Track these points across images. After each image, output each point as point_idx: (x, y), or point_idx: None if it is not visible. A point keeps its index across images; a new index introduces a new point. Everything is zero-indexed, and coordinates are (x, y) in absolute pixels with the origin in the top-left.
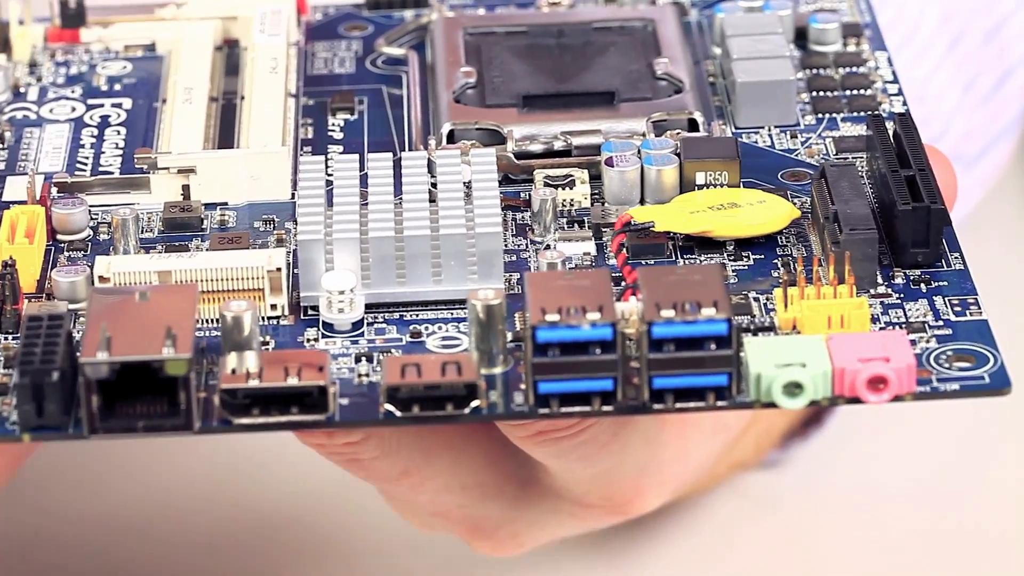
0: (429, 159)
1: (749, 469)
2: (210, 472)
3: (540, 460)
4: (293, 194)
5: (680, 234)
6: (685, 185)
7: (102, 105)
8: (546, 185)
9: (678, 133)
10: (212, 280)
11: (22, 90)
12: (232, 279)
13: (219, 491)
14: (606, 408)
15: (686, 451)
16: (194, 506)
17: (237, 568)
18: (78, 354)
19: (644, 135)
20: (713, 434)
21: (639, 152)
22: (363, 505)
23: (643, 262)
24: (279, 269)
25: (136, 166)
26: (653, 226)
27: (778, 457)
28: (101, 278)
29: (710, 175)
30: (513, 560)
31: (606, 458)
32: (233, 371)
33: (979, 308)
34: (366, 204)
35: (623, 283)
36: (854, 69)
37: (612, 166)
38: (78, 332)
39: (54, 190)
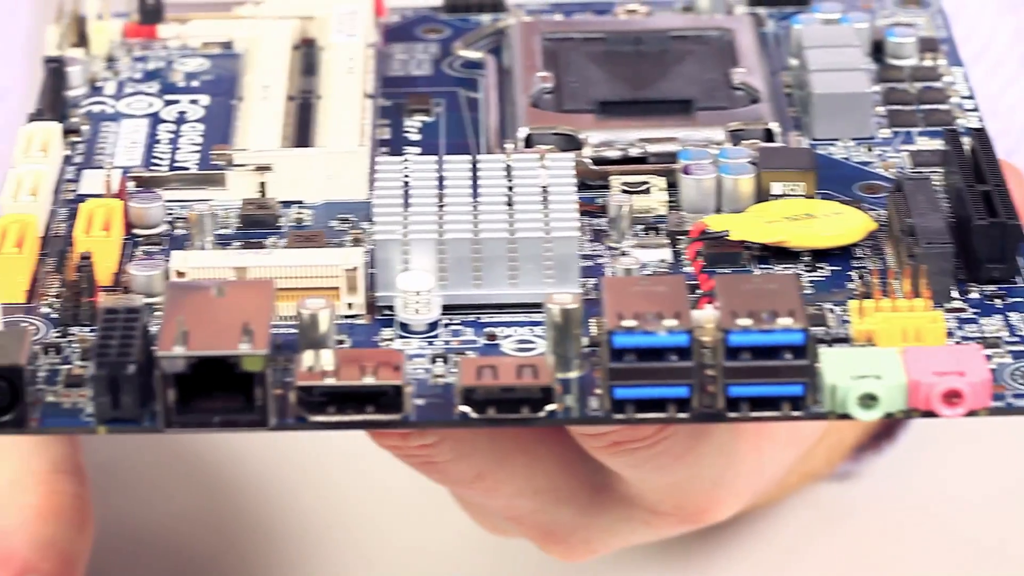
0: (507, 163)
1: (820, 480)
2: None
3: (615, 470)
4: (369, 194)
5: (756, 243)
6: (761, 195)
7: (179, 101)
8: (623, 192)
9: (754, 143)
10: (288, 278)
11: (99, 85)
12: (308, 277)
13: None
14: (681, 415)
15: (760, 462)
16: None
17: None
18: (154, 347)
19: (720, 144)
20: (787, 446)
21: (715, 161)
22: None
23: (718, 270)
24: (355, 268)
25: (213, 163)
26: (729, 235)
27: (850, 469)
28: (178, 273)
29: (786, 185)
30: (583, 566)
31: (681, 469)
32: (309, 368)
33: None
34: (443, 205)
35: (698, 291)
36: (930, 83)
37: (689, 174)
38: (154, 326)
39: (131, 184)
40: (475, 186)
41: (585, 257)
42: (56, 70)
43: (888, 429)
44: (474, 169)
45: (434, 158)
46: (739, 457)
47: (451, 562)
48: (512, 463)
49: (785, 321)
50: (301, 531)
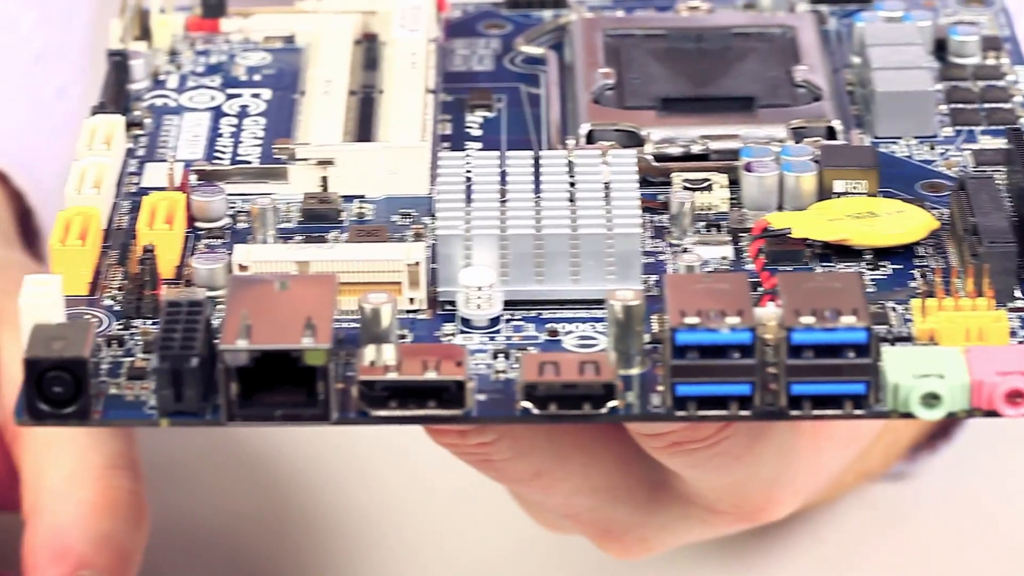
0: (568, 159)
1: (875, 479)
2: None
3: (673, 468)
4: (431, 189)
5: (818, 241)
6: (823, 192)
7: (241, 95)
8: (684, 188)
9: (817, 140)
10: (350, 272)
11: (161, 78)
12: (370, 271)
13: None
14: (743, 413)
15: (819, 461)
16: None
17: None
18: (217, 341)
19: (783, 141)
20: (846, 444)
21: (778, 158)
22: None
23: (780, 268)
24: (417, 263)
25: (275, 156)
26: (791, 232)
27: (905, 468)
28: (240, 266)
29: (849, 183)
30: (638, 562)
31: (740, 469)
32: (371, 363)
33: None
34: (505, 201)
35: (760, 288)
36: (993, 82)
37: (751, 171)
38: (216, 319)
39: (193, 177)
40: (537, 181)
41: (646, 254)
42: (119, 63)
43: (944, 428)
44: (536, 165)
45: (496, 154)
46: (798, 456)
47: (507, 561)
48: (570, 461)
49: (848, 319)
50: (355, 528)
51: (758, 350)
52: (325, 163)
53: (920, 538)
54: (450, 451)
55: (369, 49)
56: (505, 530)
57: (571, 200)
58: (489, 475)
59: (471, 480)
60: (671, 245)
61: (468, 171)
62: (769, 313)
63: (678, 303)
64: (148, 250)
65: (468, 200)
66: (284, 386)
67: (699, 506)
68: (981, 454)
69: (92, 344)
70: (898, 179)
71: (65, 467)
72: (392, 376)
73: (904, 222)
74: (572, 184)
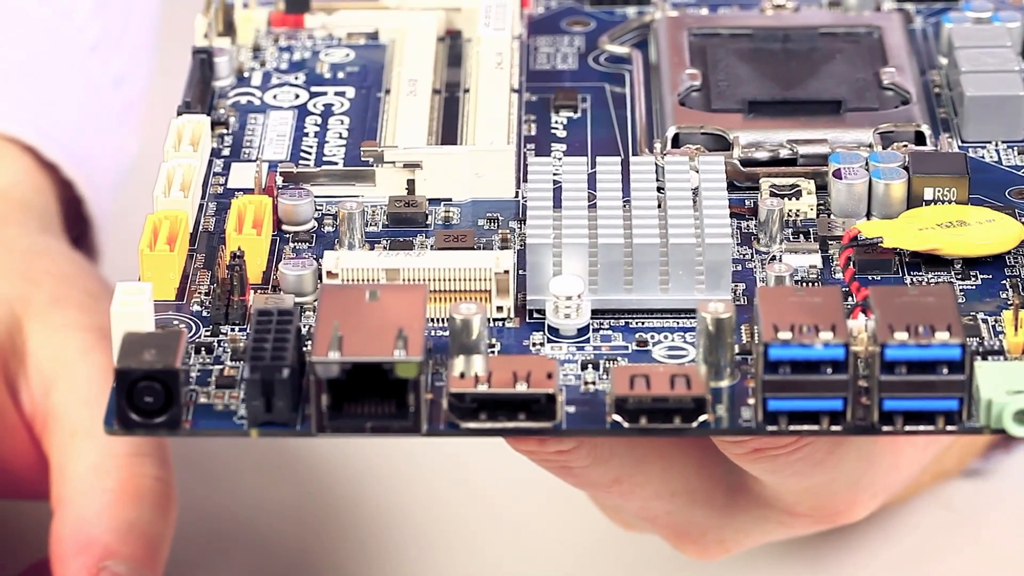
0: (657, 164)
1: (951, 478)
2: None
3: (754, 475)
4: (517, 192)
5: (907, 251)
6: (913, 200)
7: (325, 93)
8: (772, 195)
9: (905, 146)
10: (439, 280)
11: (245, 75)
12: (459, 279)
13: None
14: (835, 428)
15: (899, 465)
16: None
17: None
18: (306, 349)
19: (871, 146)
20: (925, 447)
21: (867, 164)
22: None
23: (870, 278)
24: (507, 272)
25: (362, 159)
26: (881, 241)
27: (980, 467)
28: (329, 273)
29: (938, 191)
30: (713, 564)
31: (820, 474)
32: (461, 375)
33: None
34: (594, 206)
35: (851, 298)
36: None
37: (840, 178)
38: (305, 327)
39: (279, 179)
40: (626, 188)
41: (734, 262)
42: (203, 61)
43: None
44: (624, 170)
45: (584, 159)
46: (878, 460)
47: (547, 564)
48: (649, 467)
49: (942, 336)
50: (389, 528)
51: (851, 366)
52: (412, 166)
53: (994, 537)
54: (528, 458)
55: (453, 46)
56: (544, 531)
57: (660, 207)
58: (568, 481)
59: (511, 477)
60: (758, 252)
61: (557, 178)
62: (859, 325)
63: (771, 317)
64: (237, 256)
65: (557, 207)
66: (374, 397)
67: (777, 509)
68: None
69: (183, 354)
70: (987, 185)
71: (90, 457)
72: (483, 388)
73: (995, 231)
74: (660, 190)
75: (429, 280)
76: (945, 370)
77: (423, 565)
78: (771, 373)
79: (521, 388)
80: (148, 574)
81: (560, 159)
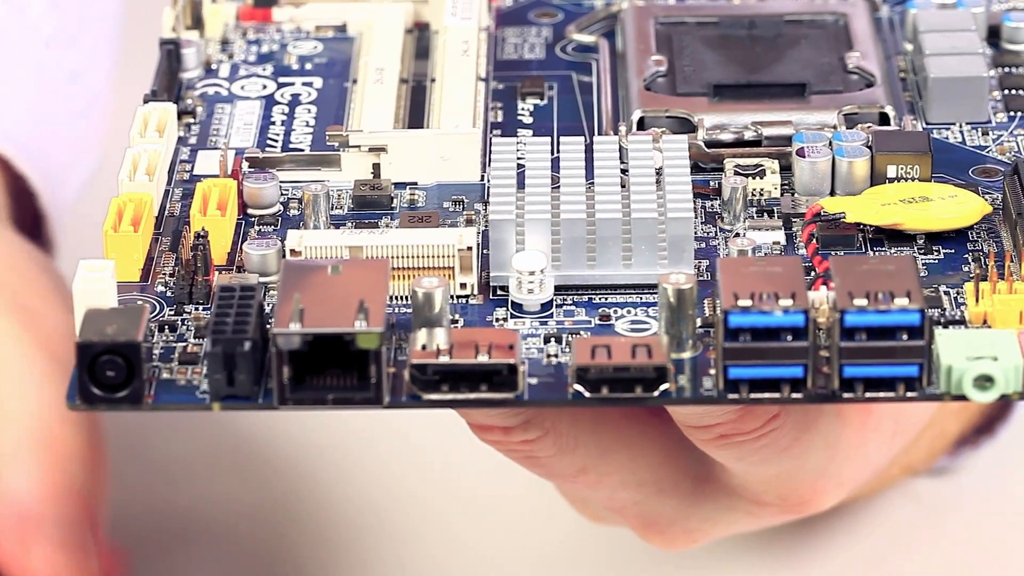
0: (620, 145)
1: (919, 473)
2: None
3: (720, 462)
4: (483, 176)
5: (870, 226)
6: (876, 178)
7: (292, 84)
8: (736, 174)
9: (869, 126)
10: (403, 257)
11: (213, 67)
12: (422, 256)
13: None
14: (795, 396)
15: (865, 453)
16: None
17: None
18: (269, 325)
19: (835, 127)
20: (893, 437)
21: (830, 144)
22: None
23: (833, 253)
24: (470, 248)
25: (327, 143)
26: (844, 217)
27: (948, 464)
28: (293, 252)
29: (901, 168)
30: (680, 555)
31: (787, 460)
32: (423, 347)
33: None
34: (557, 187)
35: (813, 273)
36: None
37: (803, 157)
38: (269, 305)
39: (245, 165)
40: (589, 167)
41: (698, 239)
42: (170, 52)
43: (987, 424)
44: (588, 150)
45: (548, 140)
46: (844, 447)
47: (509, 556)
48: (615, 456)
49: (902, 301)
50: (358, 523)
51: (811, 332)
52: (377, 150)
53: (960, 533)
54: (495, 448)
55: (420, 38)
56: (517, 522)
57: (623, 187)
58: (535, 471)
59: (481, 468)
60: (722, 231)
61: (521, 156)
62: (821, 296)
63: (731, 286)
64: (201, 236)
65: (521, 185)
66: (336, 370)
67: (744, 498)
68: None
69: (145, 328)
70: (951, 165)
71: (12, 434)
72: (444, 360)
73: (957, 207)
74: (624, 171)
75: (393, 257)
76: (904, 336)
77: (392, 558)
78: (731, 340)
79: (483, 359)
80: (86, 534)
81: (524, 142)
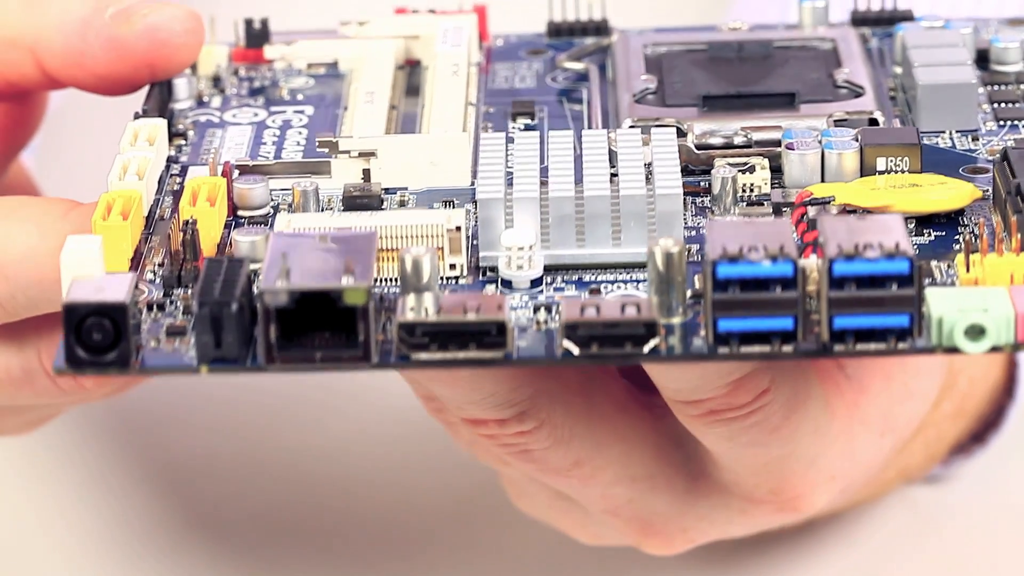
0: (610, 147)
1: (916, 480)
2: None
3: (709, 446)
4: (472, 181)
5: (861, 209)
6: (866, 170)
7: (284, 111)
8: (727, 165)
9: (859, 129)
10: (392, 238)
11: (205, 99)
12: (411, 237)
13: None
14: (786, 349)
15: (853, 449)
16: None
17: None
18: (256, 288)
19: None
20: (881, 433)
21: (820, 139)
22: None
23: None
24: (458, 228)
25: (318, 150)
26: (833, 200)
27: (941, 472)
28: None
29: (891, 161)
30: (679, 563)
31: (776, 444)
32: (411, 310)
33: None
34: (547, 167)
35: (803, 243)
36: None
37: (793, 150)
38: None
39: (235, 172)
40: (579, 153)
41: (688, 229)
42: (162, 84)
43: (980, 433)
44: (578, 141)
45: (537, 134)
46: (832, 438)
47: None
48: (609, 450)
49: (890, 249)
50: (352, 520)
51: (800, 282)
52: (367, 155)
53: (954, 542)
54: (488, 442)
55: (412, 74)
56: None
57: (612, 165)
58: (528, 467)
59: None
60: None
61: (511, 148)
62: (812, 264)
63: (719, 240)
64: (189, 223)
65: (510, 167)
66: (325, 330)
67: (738, 495)
68: (1016, 458)
69: (132, 291)
70: (940, 164)
71: None
72: (432, 318)
73: (947, 191)
74: (613, 165)
75: (382, 238)
76: (894, 285)
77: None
78: (720, 292)
79: (471, 317)
80: None
81: (514, 137)
